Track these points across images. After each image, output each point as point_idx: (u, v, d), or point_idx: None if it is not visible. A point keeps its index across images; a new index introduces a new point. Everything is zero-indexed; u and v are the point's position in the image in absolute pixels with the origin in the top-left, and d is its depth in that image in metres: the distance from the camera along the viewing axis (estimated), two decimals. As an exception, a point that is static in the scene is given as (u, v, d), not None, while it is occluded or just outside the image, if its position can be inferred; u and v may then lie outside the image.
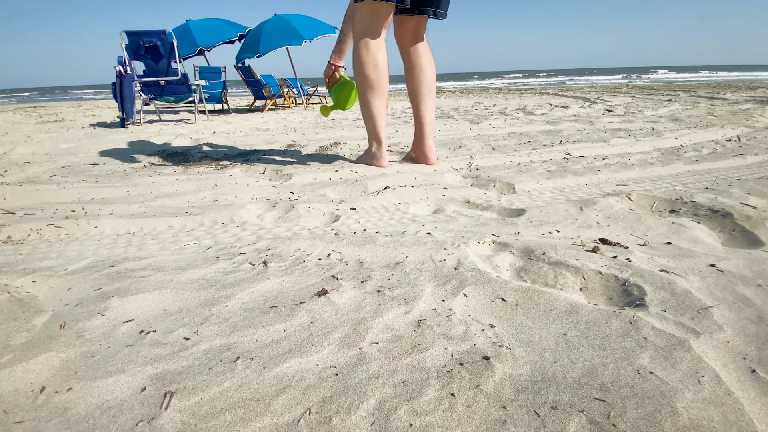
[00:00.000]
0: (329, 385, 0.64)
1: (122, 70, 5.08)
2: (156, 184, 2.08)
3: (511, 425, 0.57)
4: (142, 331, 0.81)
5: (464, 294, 0.90)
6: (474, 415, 0.59)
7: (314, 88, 9.57)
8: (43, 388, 0.66)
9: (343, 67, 2.33)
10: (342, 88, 2.30)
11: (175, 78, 5.49)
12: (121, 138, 3.90)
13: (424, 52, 2.24)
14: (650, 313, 0.80)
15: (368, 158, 2.32)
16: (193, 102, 5.76)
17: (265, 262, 1.10)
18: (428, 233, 1.27)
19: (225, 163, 2.66)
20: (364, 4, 2.01)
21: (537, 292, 0.89)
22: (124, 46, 5.27)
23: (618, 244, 1.11)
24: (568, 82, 23.26)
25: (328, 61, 2.30)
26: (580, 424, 0.57)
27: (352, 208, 1.61)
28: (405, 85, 2.32)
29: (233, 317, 0.84)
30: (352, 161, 2.46)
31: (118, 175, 2.36)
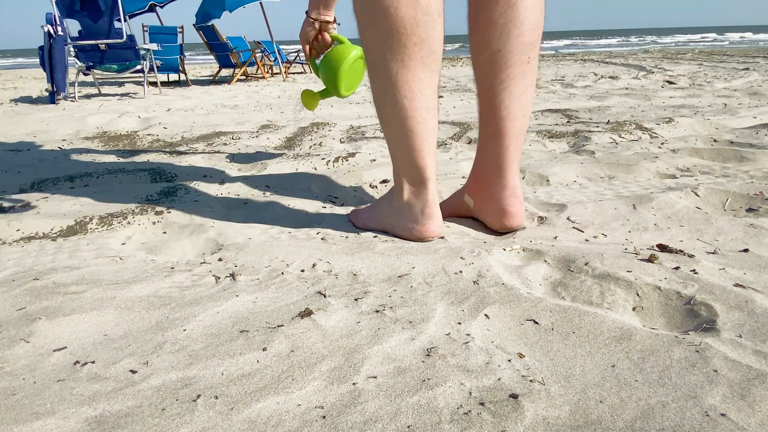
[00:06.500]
0: (315, 431, 0.64)
1: (52, 31, 5.08)
2: (94, 175, 2.08)
3: (546, 482, 0.57)
4: (78, 362, 0.81)
5: (486, 315, 0.90)
6: (498, 468, 0.59)
7: (296, 54, 9.60)
8: (-50, 435, 0.66)
9: (335, 23, 1.49)
10: (337, 60, 1.41)
11: (119, 41, 5.49)
12: (50, 117, 3.90)
13: None
14: (722, 339, 0.80)
15: (395, 218, 1.31)
16: (141, 71, 5.76)
17: (232, 275, 1.10)
18: (440, 237, 1.28)
19: (182, 148, 2.66)
20: None
21: (578, 313, 0.89)
22: None
23: (681, 251, 1.12)
24: (617, 48, 23.29)
25: (306, 14, 1.44)
26: (633, 480, 0.57)
27: (343, 206, 1.61)
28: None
29: (193, 345, 0.84)
30: (380, 233, 1.34)
31: (46, 164, 2.35)
